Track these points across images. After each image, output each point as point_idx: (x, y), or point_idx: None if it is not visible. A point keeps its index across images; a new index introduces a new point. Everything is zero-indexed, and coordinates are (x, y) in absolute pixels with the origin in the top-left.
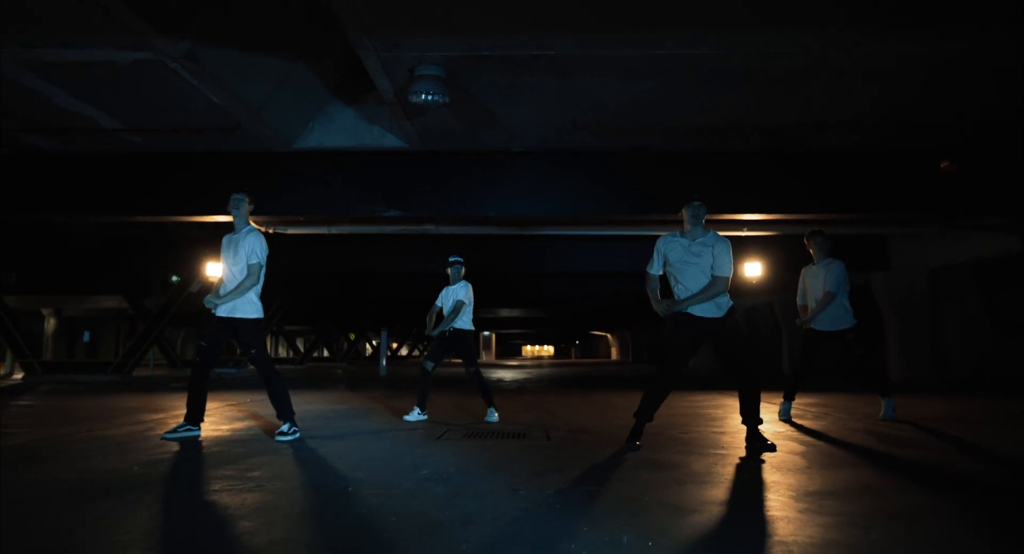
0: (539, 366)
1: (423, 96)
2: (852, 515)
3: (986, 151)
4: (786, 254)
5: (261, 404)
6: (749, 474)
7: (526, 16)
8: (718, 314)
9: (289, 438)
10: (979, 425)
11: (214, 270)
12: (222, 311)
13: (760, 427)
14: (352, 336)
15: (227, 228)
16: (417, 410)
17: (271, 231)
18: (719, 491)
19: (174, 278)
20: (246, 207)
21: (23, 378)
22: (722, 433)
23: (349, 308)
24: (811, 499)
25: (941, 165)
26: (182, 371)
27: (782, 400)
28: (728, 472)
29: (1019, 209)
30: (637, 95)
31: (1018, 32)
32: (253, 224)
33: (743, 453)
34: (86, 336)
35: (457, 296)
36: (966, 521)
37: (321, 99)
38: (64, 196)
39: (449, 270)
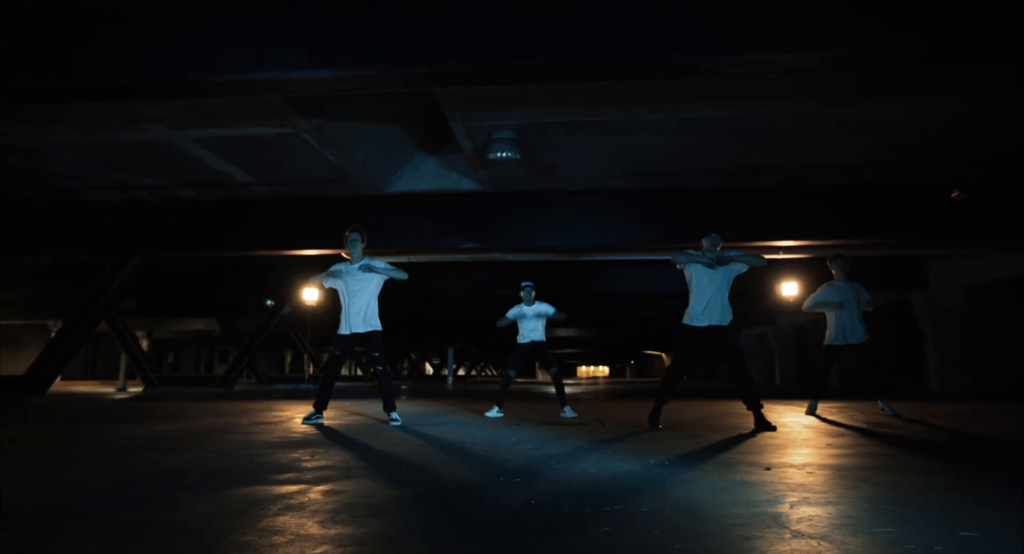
0: (594, 384)
1: (499, 154)
2: (815, 452)
3: (999, 179)
4: (824, 274)
5: (357, 406)
6: (755, 439)
7: (581, 95)
8: None
9: (399, 422)
10: (964, 418)
11: (309, 295)
12: (360, 328)
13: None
14: (413, 356)
15: (325, 259)
16: (496, 408)
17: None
18: (727, 447)
19: (269, 302)
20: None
21: (144, 390)
22: (746, 423)
23: (415, 330)
24: (791, 447)
25: (952, 195)
26: (268, 386)
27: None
28: (738, 440)
29: None
30: (670, 147)
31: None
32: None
33: (760, 434)
34: (171, 357)
35: (547, 311)
36: (887, 456)
37: (408, 151)
38: (200, 237)
39: (523, 293)
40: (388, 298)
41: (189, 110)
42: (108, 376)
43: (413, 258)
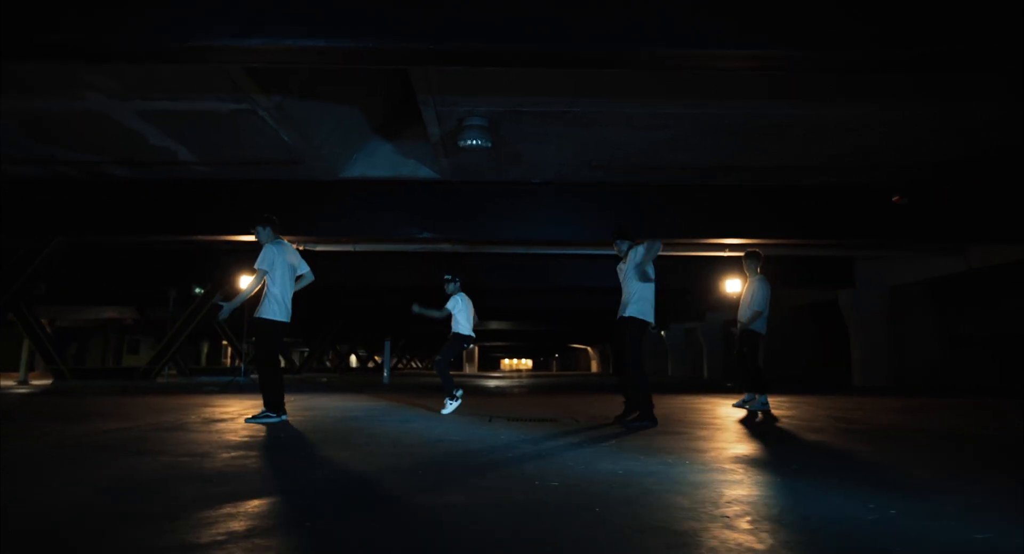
0: (519, 376)
1: (470, 142)
2: (770, 445)
3: (938, 187)
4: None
5: (297, 402)
6: (753, 434)
7: (563, 84)
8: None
9: (272, 420)
10: (882, 412)
11: (246, 284)
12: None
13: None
14: (339, 348)
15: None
16: (449, 401)
17: (301, 248)
18: (700, 440)
19: (197, 290)
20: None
21: (53, 383)
22: (712, 418)
23: (348, 321)
24: (752, 438)
25: (893, 199)
26: (193, 379)
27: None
28: (719, 435)
29: (964, 237)
30: (647, 142)
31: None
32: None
33: (727, 430)
34: (72, 347)
35: (463, 308)
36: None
37: (365, 136)
38: (130, 219)
39: (449, 286)
40: (322, 288)
41: (137, 79)
42: (3, 367)
43: (359, 247)
